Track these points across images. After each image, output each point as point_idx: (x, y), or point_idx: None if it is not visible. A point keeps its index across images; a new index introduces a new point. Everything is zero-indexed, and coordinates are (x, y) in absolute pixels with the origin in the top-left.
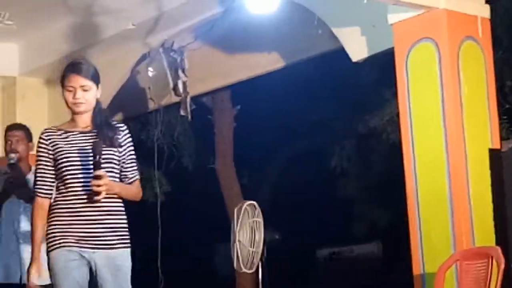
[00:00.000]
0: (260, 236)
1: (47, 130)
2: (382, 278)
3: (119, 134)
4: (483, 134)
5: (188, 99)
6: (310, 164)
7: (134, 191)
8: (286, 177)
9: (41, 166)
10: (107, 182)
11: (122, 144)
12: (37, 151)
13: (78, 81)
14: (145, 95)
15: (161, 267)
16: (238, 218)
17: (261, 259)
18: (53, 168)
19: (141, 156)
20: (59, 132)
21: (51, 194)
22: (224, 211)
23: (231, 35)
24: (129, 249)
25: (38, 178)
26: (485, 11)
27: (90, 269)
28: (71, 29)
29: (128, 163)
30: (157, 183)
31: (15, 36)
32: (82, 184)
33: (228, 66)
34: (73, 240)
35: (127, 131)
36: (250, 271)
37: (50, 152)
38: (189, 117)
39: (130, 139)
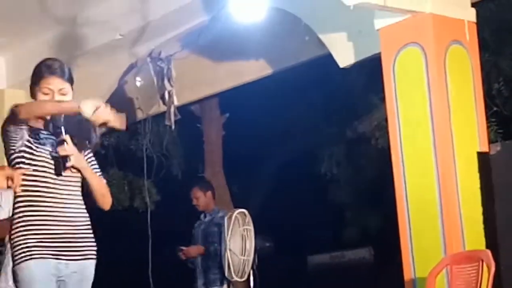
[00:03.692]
0: (251, 244)
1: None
2: (373, 283)
3: None
4: (471, 137)
5: (173, 109)
6: (299, 170)
7: (100, 181)
8: (276, 184)
9: None
10: (72, 149)
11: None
12: None
13: (57, 83)
14: (133, 104)
15: (152, 277)
16: (228, 226)
17: (252, 267)
18: None
19: (130, 165)
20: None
21: None
22: None
23: (218, 43)
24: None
25: None
26: (471, 14)
27: None
28: (58, 41)
29: None
30: (147, 192)
31: (2, 49)
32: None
33: (216, 74)
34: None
35: None
36: (242, 280)
37: None
38: (173, 126)
39: None
